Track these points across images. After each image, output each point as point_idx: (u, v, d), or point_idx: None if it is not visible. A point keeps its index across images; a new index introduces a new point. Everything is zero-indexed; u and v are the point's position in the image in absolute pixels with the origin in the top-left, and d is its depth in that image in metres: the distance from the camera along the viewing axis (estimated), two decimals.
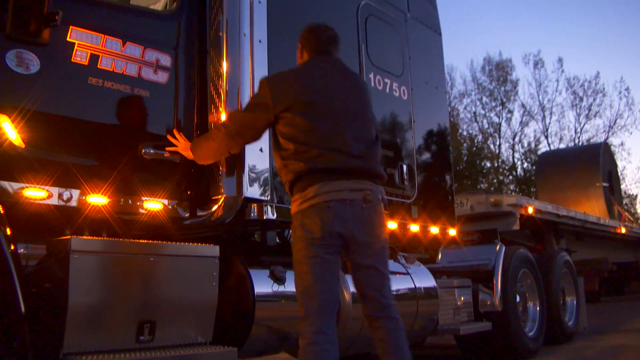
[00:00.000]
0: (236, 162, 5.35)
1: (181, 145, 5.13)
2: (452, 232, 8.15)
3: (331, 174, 4.45)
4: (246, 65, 5.47)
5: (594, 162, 22.03)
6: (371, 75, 7.30)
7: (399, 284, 7.28)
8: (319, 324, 4.37)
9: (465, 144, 47.03)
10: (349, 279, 6.40)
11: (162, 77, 5.23)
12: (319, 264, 4.43)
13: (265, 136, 5.49)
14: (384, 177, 4.72)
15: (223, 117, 5.34)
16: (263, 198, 5.52)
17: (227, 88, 5.40)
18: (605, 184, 21.60)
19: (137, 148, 5.04)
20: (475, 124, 49.71)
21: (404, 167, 7.47)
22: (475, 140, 48.63)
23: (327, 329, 4.37)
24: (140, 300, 4.67)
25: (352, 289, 6.36)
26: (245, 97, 5.39)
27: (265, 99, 4.66)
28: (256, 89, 5.02)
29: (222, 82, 5.42)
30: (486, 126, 49.89)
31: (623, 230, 18.07)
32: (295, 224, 4.58)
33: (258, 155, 5.49)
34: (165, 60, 5.27)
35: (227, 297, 5.33)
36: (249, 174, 5.39)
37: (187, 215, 5.33)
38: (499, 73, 49.95)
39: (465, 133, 47.92)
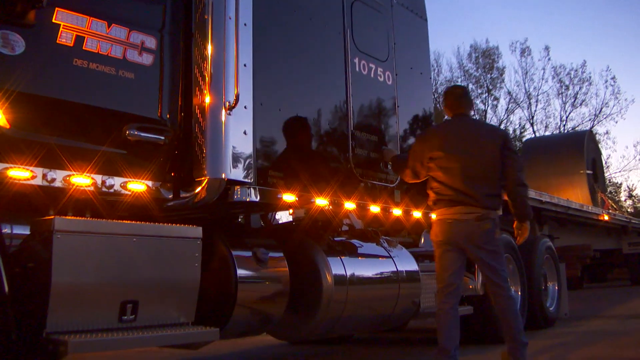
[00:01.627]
0: (220, 145, 5.37)
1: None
2: (435, 216, 8.20)
3: (453, 202, 6.48)
4: (231, 49, 5.47)
5: (578, 150, 22.08)
6: (356, 60, 7.33)
7: (381, 267, 7.34)
8: (443, 297, 6.46)
9: None
10: (331, 261, 6.47)
11: (147, 59, 5.24)
12: (442, 257, 6.56)
13: (249, 118, 5.55)
14: (490, 208, 6.53)
15: (207, 99, 5.37)
16: (246, 180, 5.55)
17: (211, 71, 5.41)
18: (589, 172, 21.68)
19: (122, 129, 5.05)
20: None
21: None
22: None
23: (449, 300, 6.43)
24: (123, 280, 4.71)
25: (334, 271, 6.43)
26: (230, 81, 5.42)
27: (417, 151, 6.83)
28: (241, 73, 5.49)
29: (206, 65, 5.43)
30: (472, 113, 49.93)
31: (606, 218, 18.18)
32: (431, 228, 6.76)
33: (242, 137, 5.52)
34: (151, 42, 5.28)
35: (209, 278, 5.38)
36: (232, 156, 5.42)
37: (171, 196, 5.35)
38: (485, 60, 50.00)
39: None
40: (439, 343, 6.35)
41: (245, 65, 5.59)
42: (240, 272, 5.66)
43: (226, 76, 5.41)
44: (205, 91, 5.40)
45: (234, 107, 5.38)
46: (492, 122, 49.97)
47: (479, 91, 49.84)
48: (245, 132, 5.55)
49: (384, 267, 7.35)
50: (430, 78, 9.50)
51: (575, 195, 19.45)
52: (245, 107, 5.56)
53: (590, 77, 50.06)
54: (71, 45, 4.76)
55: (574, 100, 49.72)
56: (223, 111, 5.37)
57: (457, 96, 7.09)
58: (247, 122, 5.58)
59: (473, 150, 6.59)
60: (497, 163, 6.62)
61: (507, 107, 50.46)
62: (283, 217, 7.92)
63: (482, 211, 6.44)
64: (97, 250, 4.56)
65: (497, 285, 6.54)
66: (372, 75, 7.61)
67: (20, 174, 4.40)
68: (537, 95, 50.25)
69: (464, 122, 6.95)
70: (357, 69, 7.31)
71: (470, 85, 49.62)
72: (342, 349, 9.41)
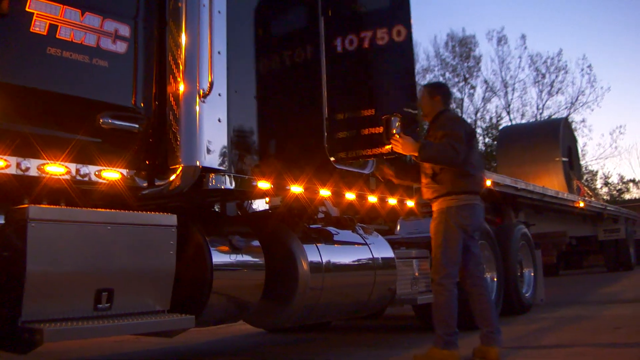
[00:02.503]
0: (194, 132, 5.37)
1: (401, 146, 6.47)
2: (410, 203, 8.24)
3: (476, 191, 6.84)
4: (205, 36, 5.46)
5: (554, 137, 22.23)
6: (338, 41, 7.10)
7: (357, 255, 7.37)
8: (450, 282, 6.62)
9: None
10: (307, 248, 6.49)
11: (120, 47, 5.22)
12: (459, 242, 6.66)
13: (223, 105, 5.54)
14: None
15: (181, 87, 5.38)
16: (221, 168, 5.55)
17: (185, 59, 5.41)
18: (564, 159, 21.83)
19: (96, 118, 5.03)
20: None
21: None
22: None
23: (454, 286, 6.65)
24: (99, 269, 4.71)
25: (310, 258, 6.45)
26: (204, 68, 5.42)
27: (463, 135, 6.70)
28: (216, 61, 5.49)
29: (180, 53, 5.43)
30: None
31: (581, 205, 18.29)
32: (450, 212, 6.66)
33: (216, 125, 5.52)
34: (124, 30, 5.26)
35: (185, 266, 5.38)
36: (206, 144, 5.42)
37: (145, 184, 5.34)
38: (462, 49, 50.09)
39: None
40: (449, 326, 6.57)
41: (219, 52, 5.59)
42: (216, 259, 5.67)
43: (200, 64, 5.41)
44: (179, 79, 5.40)
45: (208, 94, 5.38)
46: (469, 111, 50.24)
47: (456, 80, 49.90)
48: (219, 120, 5.55)
49: (359, 254, 7.38)
50: None
51: (551, 183, 19.58)
52: (219, 95, 5.56)
53: (566, 65, 50.22)
54: (45, 33, 4.73)
55: (550, 89, 49.95)
56: (197, 99, 5.37)
57: (450, 92, 7.66)
58: (221, 109, 5.58)
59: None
60: None
61: (484, 96, 50.64)
62: (259, 205, 7.92)
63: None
64: (71, 239, 4.55)
65: (480, 269, 6.99)
66: (365, 44, 6.87)
67: None
68: (514, 83, 50.46)
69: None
70: (340, 49, 7.15)
71: (447, 74, 49.78)
72: (319, 336, 9.44)
